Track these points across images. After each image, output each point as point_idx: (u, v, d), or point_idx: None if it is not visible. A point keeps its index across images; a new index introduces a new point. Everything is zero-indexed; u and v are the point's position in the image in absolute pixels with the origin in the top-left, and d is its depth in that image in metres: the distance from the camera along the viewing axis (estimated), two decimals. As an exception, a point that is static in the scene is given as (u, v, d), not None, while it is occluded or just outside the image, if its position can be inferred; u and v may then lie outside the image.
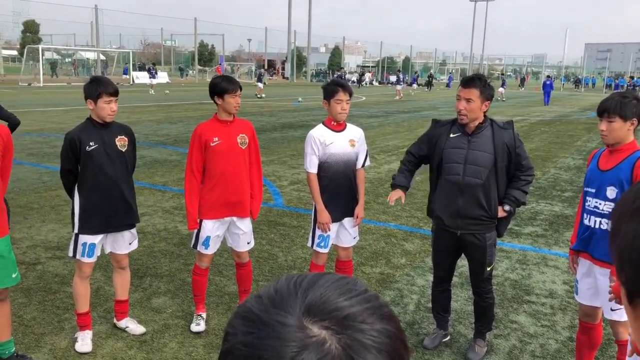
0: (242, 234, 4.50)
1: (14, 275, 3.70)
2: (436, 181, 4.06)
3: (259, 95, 33.35)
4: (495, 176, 3.89)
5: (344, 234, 4.56)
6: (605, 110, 3.38)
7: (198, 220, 4.34)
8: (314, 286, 0.69)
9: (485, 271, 4.06)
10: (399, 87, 40.18)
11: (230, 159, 4.29)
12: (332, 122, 4.38)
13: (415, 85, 51.88)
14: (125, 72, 48.54)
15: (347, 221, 4.52)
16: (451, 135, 3.95)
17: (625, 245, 0.72)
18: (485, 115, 3.92)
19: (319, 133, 4.36)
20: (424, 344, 4.35)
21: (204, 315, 4.54)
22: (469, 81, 3.86)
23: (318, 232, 4.44)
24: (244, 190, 4.40)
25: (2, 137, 3.56)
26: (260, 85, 34.30)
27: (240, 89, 4.30)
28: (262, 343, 0.64)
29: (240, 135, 4.36)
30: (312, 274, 0.72)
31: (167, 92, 33.82)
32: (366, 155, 4.57)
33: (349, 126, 4.48)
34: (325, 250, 4.51)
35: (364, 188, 4.57)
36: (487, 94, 3.84)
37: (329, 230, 4.41)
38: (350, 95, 4.35)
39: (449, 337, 4.46)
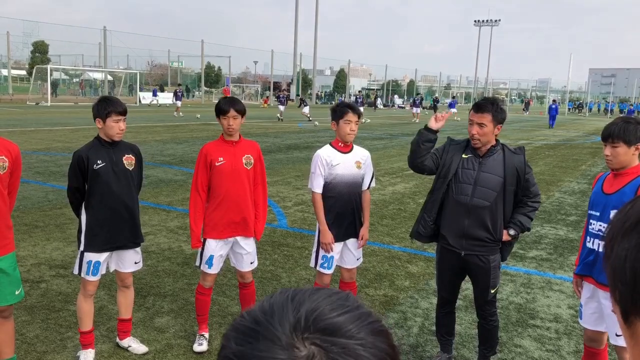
0: (246, 254, 4.50)
1: (17, 292, 3.70)
2: (441, 201, 4.06)
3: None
4: (502, 200, 3.90)
5: (348, 255, 4.56)
6: (609, 136, 3.40)
7: (202, 239, 4.36)
8: (307, 301, 0.69)
9: (490, 293, 4.04)
10: (417, 110, 42.44)
11: (235, 179, 4.32)
12: (340, 144, 4.42)
13: (454, 109, 52.93)
14: (155, 93, 48.70)
15: (351, 242, 4.52)
16: (463, 156, 3.98)
17: (618, 264, 0.74)
18: (496, 139, 3.95)
19: (326, 153, 4.39)
20: (428, 367, 4.31)
21: (206, 335, 4.53)
22: (481, 106, 3.86)
23: (322, 253, 4.45)
24: (248, 210, 4.42)
25: (12, 154, 3.60)
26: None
27: (240, 112, 4.27)
28: (253, 355, 0.65)
29: (246, 155, 4.39)
30: (307, 289, 0.73)
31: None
32: (372, 177, 4.59)
33: (356, 148, 4.51)
34: (329, 272, 4.50)
35: (369, 210, 4.59)
36: (500, 118, 3.87)
37: (332, 250, 4.41)
38: (359, 116, 4.40)
39: (452, 361, 4.43)
